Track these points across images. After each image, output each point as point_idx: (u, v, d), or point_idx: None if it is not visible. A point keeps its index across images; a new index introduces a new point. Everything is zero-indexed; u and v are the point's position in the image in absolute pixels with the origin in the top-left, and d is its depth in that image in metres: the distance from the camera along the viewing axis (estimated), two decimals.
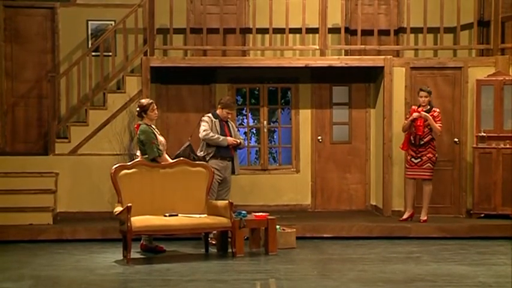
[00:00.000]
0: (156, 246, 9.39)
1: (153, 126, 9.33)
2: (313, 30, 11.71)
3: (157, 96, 11.80)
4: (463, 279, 7.81)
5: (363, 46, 11.58)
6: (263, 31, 11.66)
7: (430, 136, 10.57)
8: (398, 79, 11.44)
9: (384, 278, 7.88)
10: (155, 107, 9.35)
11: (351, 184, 12.24)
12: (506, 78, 11.12)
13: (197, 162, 9.60)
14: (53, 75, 11.43)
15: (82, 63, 11.46)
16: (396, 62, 11.49)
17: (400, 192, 11.38)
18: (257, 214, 9.55)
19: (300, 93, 12.21)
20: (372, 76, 12.08)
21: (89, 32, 11.93)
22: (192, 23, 11.88)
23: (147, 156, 9.20)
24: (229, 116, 10.02)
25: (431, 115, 10.53)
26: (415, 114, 10.54)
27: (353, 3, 12.05)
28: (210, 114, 9.98)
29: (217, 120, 9.88)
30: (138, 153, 9.37)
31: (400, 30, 12.08)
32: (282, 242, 9.54)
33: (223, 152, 9.82)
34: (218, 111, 9.95)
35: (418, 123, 10.53)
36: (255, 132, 13.97)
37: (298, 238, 9.85)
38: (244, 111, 12.92)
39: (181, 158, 9.50)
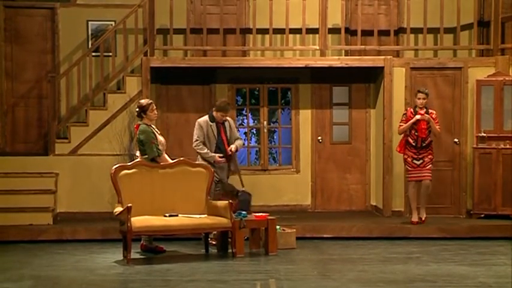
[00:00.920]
0: (156, 246, 9.39)
1: (152, 126, 9.33)
2: (313, 31, 11.71)
3: (157, 97, 11.80)
4: (463, 280, 7.81)
5: (363, 46, 11.58)
6: (263, 31, 11.66)
7: (430, 138, 10.55)
8: (398, 79, 11.44)
9: (384, 278, 7.88)
10: (155, 107, 9.35)
11: (351, 184, 12.24)
12: (506, 78, 11.12)
13: (198, 162, 9.63)
14: (53, 75, 11.43)
15: (82, 64, 11.46)
16: (396, 62, 11.49)
17: (400, 193, 11.38)
18: (257, 214, 9.54)
19: (300, 94, 12.21)
20: (372, 76, 12.08)
21: (89, 32, 11.93)
22: (192, 23, 11.88)
23: (146, 156, 9.20)
24: (226, 118, 9.99)
25: (430, 117, 10.50)
26: (418, 117, 10.43)
27: (353, 3, 12.06)
28: (206, 117, 9.94)
29: (213, 124, 9.87)
30: (138, 153, 9.37)
31: (400, 31, 12.08)
32: (282, 242, 9.54)
33: (219, 152, 9.81)
34: (214, 114, 9.93)
35: (422, 126, 10.43)
36: (255, 132, 13.96)
37: (298, 238, 9.85)
38: (244, 112, 12.92)
39: (182, 158, 9.51)
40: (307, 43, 11.76)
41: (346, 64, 11.48)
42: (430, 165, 10.56)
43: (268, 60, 11.62)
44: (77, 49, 11.94)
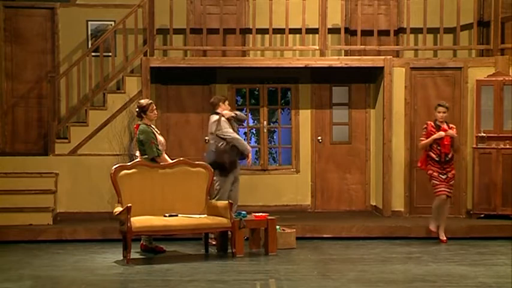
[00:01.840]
0: (156, 246, 9.39)
1: (152, 126, 9.33)
2: (313, 31, 11.71)
3: (157, 97, 11.80)
4: (463, 280, 7.81)
5: (363, 46, 11.58)
6: (263, 31, 11.66)
7: (452, 152, 10.06)
8: (398, 79, 11.44)
9: (384, 278, 7.88)
10: (154, 107, 9.36)
11: (351, 184, 12.24)
12: (506, 78, 11.12)
13: (197, 162, 9.61)
14: (53, 75, 11.43)
15: (82, 64, 11.46)
16: (396, 62, 11.50)
17: (399, 193, 11.39)
18: (257, 214, 9.54)
19: (300, 94, 12.21)
20: (372, 76, 12.08)
21: (89, 33, 11.93)
22: (192, 23, 11.89)
23: (146, 156, 9.20)
24: (219, 112, 9.89)
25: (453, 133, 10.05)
26: (442, 134, 9.90)
27: (353, 3, 12.06)
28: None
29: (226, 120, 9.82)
30: (138, 153, 9.37)
31: (400, 31, 12.08)
32: (281, 242, 9.54)
33: (235, 150, 9.76)
34: (221, 110, 9.85)
35: (445, 142, 9.92)
36: (254, 132, 13.98)
37: (298, 238, 9.85)
38: (244, 112, 12.91)
39: (182, 159, 9.51)
40: (307, 43, 11.76)
41: (346, 64, 11.48)
42: (453, 181, 10.11)
43: (268, 60, 11.63)
44: (76, 49, 11.94)
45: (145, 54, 11.43)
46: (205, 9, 11.82)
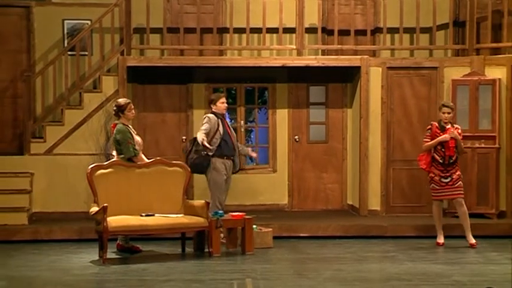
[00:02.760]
0: (132, 246, 9.36)
1: (129, 126, 9.30)
2: (290, 30, 11.72)
3: (134, 96, 11.75)
4: (438, 278, 7.87)
5: (340, 46, 11.61)
6: (240, 31, 11.65)
7: (456, 154, 9.85)
8: (374, 79, 11.49)
9: (360, 277, 7.91)
10: (132, 106, 9.34)
11: (328, 184, 12.26)
12: (482, 78, 11.20)
13: (174, 162, 9.59)
14: (28, 74, 11.35)
15: (58, 63, 11.39)
16: (373, 61, 11.54)
17: (376, 192, 11.43)
18: (234, 214, 9.55)
19: (277, 93, 12.22)
20: (349, 76, 12.12)
21: (65, 31, 11.85)
22: (169, 22, 11.85)
23: (123, 156, 9.17)
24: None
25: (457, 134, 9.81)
26: (447, 136, 9.66)
27: (330, 3, 12.08)
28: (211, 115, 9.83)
29: (218, 119, 9.79)
30: (114, 153, 9.33)
31: (376, 30, 12.13)
32: (258, 241, 9.55)
33: (227, 151, 9.75)
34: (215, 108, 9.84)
35: (450, 144, 9.71)
36: None
37: (274, 238, 9.86)
38: None
39: (159, 158, 9.49)
40: (284, 43, 11.77)
41: (323, 64, 11.51)
42: (460, 182, 9.87)
43: (245, 60, 11.62)
44: (52, 48, 11.86)
45: (122, 54, 11.38)
46: (182, 8, 11.79)
